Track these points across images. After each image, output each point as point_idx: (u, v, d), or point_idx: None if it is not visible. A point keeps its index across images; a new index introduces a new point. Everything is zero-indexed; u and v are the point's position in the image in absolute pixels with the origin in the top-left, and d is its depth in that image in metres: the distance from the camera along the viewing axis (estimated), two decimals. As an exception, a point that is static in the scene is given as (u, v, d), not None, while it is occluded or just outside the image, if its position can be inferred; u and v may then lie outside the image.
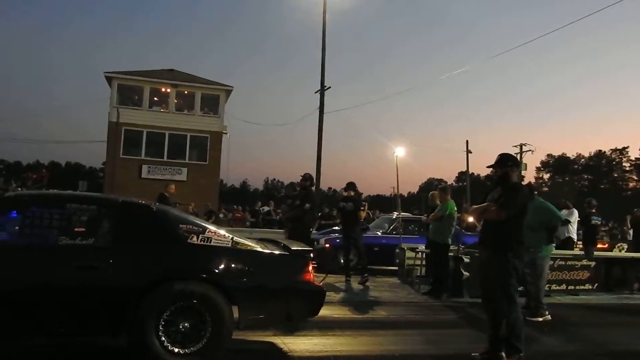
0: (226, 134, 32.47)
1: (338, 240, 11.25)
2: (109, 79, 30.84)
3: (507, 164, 5.08)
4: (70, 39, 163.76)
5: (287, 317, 4.91)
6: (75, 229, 4.32)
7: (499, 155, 5.15)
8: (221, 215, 22.22)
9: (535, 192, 8.10)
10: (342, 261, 10.50)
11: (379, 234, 13.01)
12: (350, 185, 10.33)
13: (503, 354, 4.74)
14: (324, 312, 5.15)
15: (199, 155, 31.64)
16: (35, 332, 4.18)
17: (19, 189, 27.23)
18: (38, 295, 4.05)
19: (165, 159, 30.94)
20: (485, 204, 5.09)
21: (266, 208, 20.93)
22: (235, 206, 31.95)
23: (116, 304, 4.17)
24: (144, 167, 30.14)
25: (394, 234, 12.16)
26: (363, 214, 10.44)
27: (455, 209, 9.06)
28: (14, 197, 4.80)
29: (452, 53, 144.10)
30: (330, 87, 25.51)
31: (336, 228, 12.68)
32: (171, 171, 30.46)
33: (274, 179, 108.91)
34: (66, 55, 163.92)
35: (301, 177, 9.61)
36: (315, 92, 25.57)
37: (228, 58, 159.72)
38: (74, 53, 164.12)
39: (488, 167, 5.21)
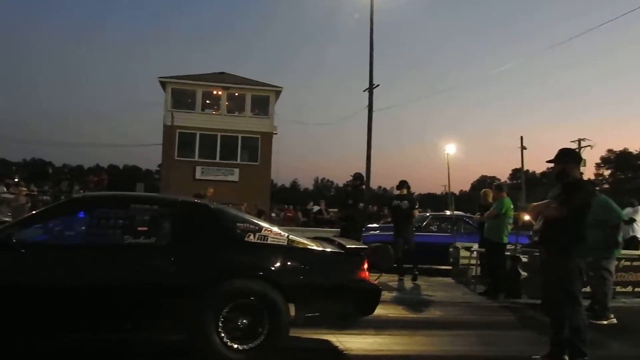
0: (276, 134, 32.88)
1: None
2: (163, 84, 31.79)
3: (566, 159, 4.91)
4: (122, 44, 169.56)
5: (342, 315, 4.92)
6: (138, 229, 4.48)
7: (559, 150, 4.98)
8: (273, 215, 22.50)
9: (597, 189, 7.79)
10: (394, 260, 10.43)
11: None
12: (403, 184, 10.25)
13: (566, 357, 4.58)
14: (378, 311, 5.12)
15: (250, 156, 32.16)
16: (103, 328, 4.37)
17: (81, 191, 28.47)
18: (105, 293, 4.22)
19: (217, 160, 31.60)
20: (545, 201, 4.94)
21: (317, 207, 20.99)
22: (286, 206, 32.30)
23: (177, 301, 4.29)
24: (198, 169, 30.91)
25: (424, 232, 12.04)
26: (417, 213, 10.34)
27: (512, 206, 8.83)
28: (82, 199, 5.03)
29: (505, 49, 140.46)
30: (378, 85, 25.34)
31: (373, 226, 12.62)
32: (224, 172, 31.10)
33: (324, 179, 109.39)
34: (119, 60, 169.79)
35: (352, 177, 9.62)
36: (364, 91, 25.43)
37: (276, 59, 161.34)
38: (127, 57, 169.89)
39: (547, 162, 5.06)
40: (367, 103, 25.10)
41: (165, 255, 4.33)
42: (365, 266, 4.92)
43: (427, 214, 13.78)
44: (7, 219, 8.26)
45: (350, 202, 9.25)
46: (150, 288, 4.27)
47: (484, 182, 74.91)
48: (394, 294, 8.51)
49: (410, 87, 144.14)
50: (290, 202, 35.92)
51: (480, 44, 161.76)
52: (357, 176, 9.65)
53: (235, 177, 31.18)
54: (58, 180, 38.38)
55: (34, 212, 4.49)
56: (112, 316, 4.29)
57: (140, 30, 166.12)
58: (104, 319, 4.29)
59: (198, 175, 30.69)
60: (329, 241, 5.51)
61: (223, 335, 4.28)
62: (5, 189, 31.57)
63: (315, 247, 4.90)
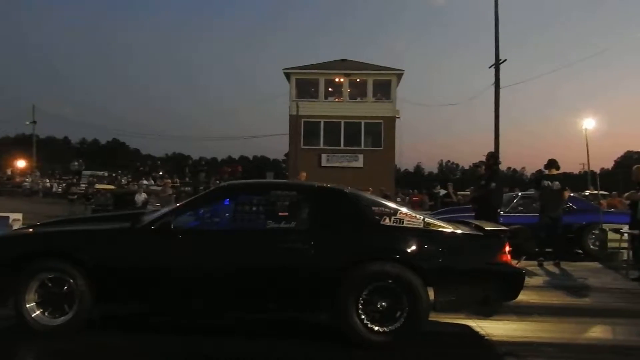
0: (399, 118, 32.56)
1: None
2: (288, 75, 32.84)
3: None
4: (245, 38, 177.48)
5: (484, 300, 4.75)
6: (280, 214, 4.68)
7: None
8: (398, 200, 22.38)
9: None
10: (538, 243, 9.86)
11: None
12: (552, 163, 9.62)
13: None
14: (520, 296, 4.88)
15: (374, 141, 32.23)
16: (250, 308, 4.65)
17: (217, 182, 30.50)
18: (251, 274, 4.47)
19: (342, 147, 32.06)
20: None
21: (443, 191, 20.51)
22: (411, 190, 31.97)
23: (317, 283, 4.43)
24: (323, 156, 31.63)
25: (513, 213, 11.15)
26: (567, 194, 9.69)
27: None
28: (227, 187, 5.36)
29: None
30: (505, 60, 24.13)
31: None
32: (348, 158, 31.52)
33: (449, 161, 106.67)
34: (244, 55, 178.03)
35: (485, 156, 9.25)
36: (490, 67, 24.38)
37: (397, 41, 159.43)
38: (251, 52, 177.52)
39: None
40: (493, 80, 24.06)
41: (305, 239, 4.47)
42: (507, 249, 4.71)
43: (516, 194, 12.82)
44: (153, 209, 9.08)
45: (483, 182, 8.90)
46: (292, 270, 4.45)
47: (630, 158, 68.12)
48: (537, 278, 8.05)
49: (541, 59, 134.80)
50: (415, 187, 35.47)
51: (622, 7, 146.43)
52: (491, 155, 9.27)
53: (359, 163, 31.45)
54: (196, 172, 41.35)
55: (186, 200, 4.87)
56: (259, 296, 4.53)
57: (261, 22, 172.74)
58: (251, 299, 4.55)
59: (324, 163, 31.42)
60: (465, 223, 5.35)
61: (363, 317, 4.34)
62: (152, 182, 34.83)
63: (452, 230, 4.79)
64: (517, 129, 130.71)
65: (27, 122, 51.33)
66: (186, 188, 28.45)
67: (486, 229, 4.82)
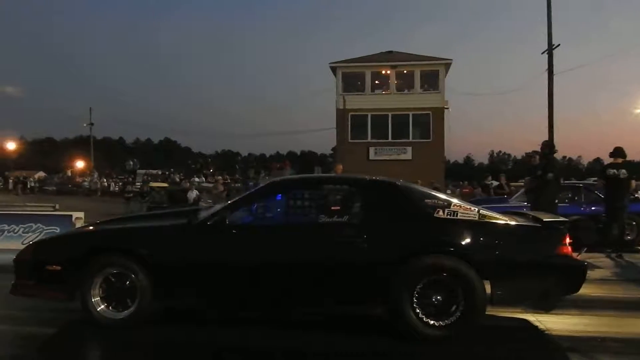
0: (447, 109, 31.99)
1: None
2: (334, 69, 32.79)
3: None
4: (291, 33, 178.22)
5: (543, 294, 4.63)
6: (332, 208, 4.70)
7: None
8: (448, 192, 22.00)
9: None
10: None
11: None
12: (618, 151, 9.25)
13: None
14: (581, 290, 4.72)
15: (422, 133, 31.79)
16: (307, 302, 4.68)
17: (266, 177, 30.84)
18: (305, 269, 4.50)
19: (389, 139, 31.80)
20: None
21: (495, 182, 20.01)
22: (461, 182, 31.39)
23: (371, 276, 4.42)
24: (371, 150, 31.46)
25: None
26: (635, 183, 9.30)
27: None
28: (279, 182, 5.42)
29: None
30: (559, 45, 23.25)
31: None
32: (396, 151, 31.24)
33: (500, 152, 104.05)
34: (290, 50, 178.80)
35: (540, 145, 8.96)
36: (542, 53, 23.56)
37: (444, 30, 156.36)
38: (297, 47, 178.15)
39: None
40: (546, 66, 23.27)
41: (358, 232, 4.46)
42: (567, 241, 4.56)
43: None
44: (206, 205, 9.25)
45: (539, 172, 8.63)
46: (346, 265, 4.45)
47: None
48: (598, 271, 7.75)
49: (594, 44, 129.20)
50: (465, 178, 34.84)
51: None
52: (547, 144, 8.99)
53: (408, 156, 31.12)
54: (245, 168, 42.01)
55: (240, 196, 4.96)
56: (313, 291, 4.56)
57: (306, 18, 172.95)
58: (307, 294, 4.59)
59: (372, 156, 31.26)
60: (522, 215, 5.23)
61: (418, 310, 4.31)
62: (204, 179, 35.61)
63: (508, 222, 4.68)
64: (572, 117, 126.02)
65: (85, 124, 53.49)
66: (237, 184, 28.95)
67: (544, 220, 4.69)
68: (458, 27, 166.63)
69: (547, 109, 22.98)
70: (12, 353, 4.18)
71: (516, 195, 13.34)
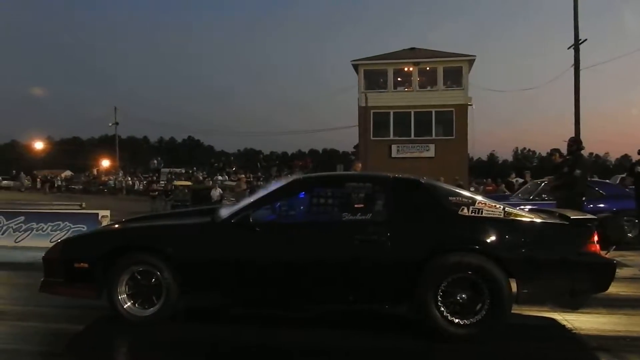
0: (471, 105, 31.67)
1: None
2: (356, 67, 32.73)
3: None
4: (313, 31, 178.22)
5: (570, 292, 4.54)
6: (355, 206, 4.68)
7: None
8: (472, 189, 21.76)
9: None
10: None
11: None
12: None
13: None
14: (610, 288, 4.62)
15: (445, 130, 31.55)
16: (330, 300, 4.67)
17: (289, 175, 30.99)
18: (329, 267, 4.50)
19: (412, 137, 31.64)
20: None
21: (520, 179, 19.76)
22: (485, 179, 31.02)
23: (395, 275, 4.40)
24: (393, 147, 31.35)
25: (539, 201, 10.68)
26: None
27: None
28: (302, 180, 5.41)
29: None
30: (585, 40, 22.82)
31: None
32: (419, 149, 31.09)
33: (524, 148, 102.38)
34: (311, 48, 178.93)
35: (567, 142, 8.80)
36: (569, 48, 23.17)
37: (467, 26, 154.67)
38: (318, 45, 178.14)
39: None
40: (572, 62, 22.88)
41: (382, 230, 4.43)
42: (595, 238, 4.47)
43: (542, 182, 12.18)
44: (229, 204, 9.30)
45: (565, 169, 8.48)
46: (369, 262, 4.43)
47: None
48: (627, 270, 7.60)
49: (623, 38, 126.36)
50: (489, 176, 34.44)
51: None
52: (573, 140, 8.82)
53: (431, 153, 30.93)
54: (268, 166, 42.21)
55: (263, 194, 4.97)
56: (337, 289, 4.55)
57: (327, 16, 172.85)
58: (330, 292, 4.58)
59: (394, 154, 31.15)
60: (548, 212, 5.15)
61: (443, 309, 4.27)
62: (227, 177, 35.91)
63: (534, 219, 4.61)
64: (599, 113, 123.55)
65: (110, 124, 54.24)
66: (259, 182, 29.12)
67: (572, 217, 4.60)
68: (482, 22, 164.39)
69: (573, 105, 22.60)
70: (42, 349, 4.26)
71: (517, 192, 13.16)
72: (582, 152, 8.97)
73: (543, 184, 11.74)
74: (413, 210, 4.61)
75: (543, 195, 11.02)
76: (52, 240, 8.88)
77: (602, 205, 10.32)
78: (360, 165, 12.07)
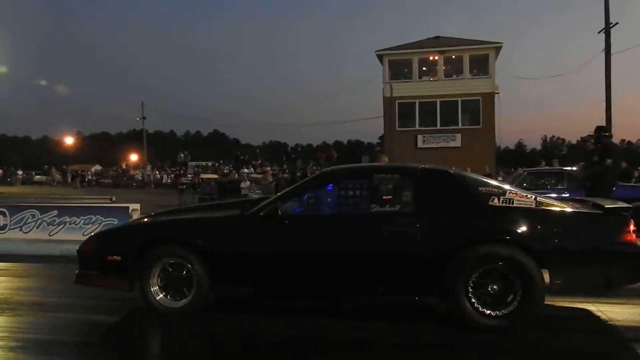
0: (498, 93, 31.14)
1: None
2: (380, 57, 32.46)
3: None
4: (336, 22, 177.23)
5: (605, 283, 4.45)
6: (383, 197, 4.66)
7: None
8: (499, 179, 21.47)
9: None
10: None
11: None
12: None
13: None
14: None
15: (472, 119, 31.12)
16: (359, 291, 4.67)
17: (314, 167, 30.99)
18: (357, 258, 4.50)
19: (438, 127, 31.30)
20: None
21: (549, 168, 19.40)
22: (512, 168, 30.55)
23: (425, 266, 4.37)
24: (419, 137, 31.06)
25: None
26: None
27: None
28: (330, 172, 5.41)
29: None
30: (617, 23, 22.19)
31: None
32: (445, 138, 30.75)
33: (553, 136, 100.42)
34: (334, 39, 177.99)
35: (595, 129, 8.56)
36: (599, 32, 22.57)
37: (493, 11, 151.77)
38: (342, 35, 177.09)
39: None
40: (603, 46, 22.29)
41: (411, 222, 4.41)
42: (631, 227, 4.37)
43: (522, 171, 11.89)
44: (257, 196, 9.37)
45: (595, 158, 8.27)
46: (399, 254, 4.42)
47: None
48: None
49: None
50: (517, 164, 33.92)
51: None
52: (600, 128, 8.57)
53: (457, 143, 30.55)
54: (293, 159, 42.29)
55: (291, 186, 4.99)
56: (367, 281, 4.55)
57: (350, 7, 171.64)
58: (360, 283, 4.58)
59: (420, 144, 30.86)
60: (581, 202, 5.05)
61: (474, 300, 4.24)
62: (252, 170, 36.12)
63: (567, 208, 4.52)
64: (632, 98, 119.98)
65: (138, 119, 54.98)
66: (284, 175, 29.22)
67: (606, 206, 4.50)
68: (510, 7, 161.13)
69: (604, 91, 22.05)
70: (77, 340, 4.36)
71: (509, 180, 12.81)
72: (611, 139, 8.72)
73: (525, 173, 11.53)
74: (442, 201, 4.57)
75: (524, 185, 10.87)
76: (84, 233, 9.08)
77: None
78: (386, 158, 11.94)
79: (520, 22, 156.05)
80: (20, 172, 46.34)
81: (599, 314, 4.78)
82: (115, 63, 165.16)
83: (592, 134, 8.70)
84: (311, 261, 4.59)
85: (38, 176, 48.17)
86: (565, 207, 4.53)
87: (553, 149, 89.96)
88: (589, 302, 5.03)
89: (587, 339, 4.28)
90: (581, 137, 9.33)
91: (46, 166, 51.29)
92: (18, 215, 10.01)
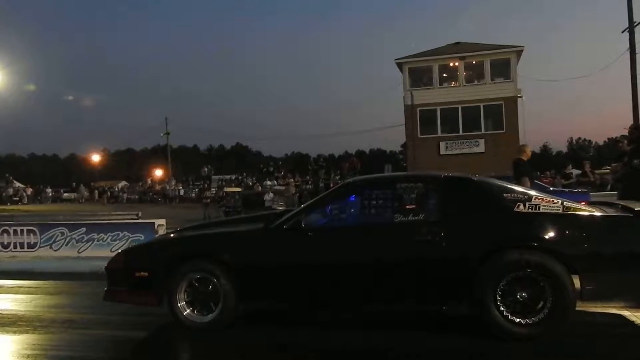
0: (521, 97, 30.77)
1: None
2: (400, 65, 32.38)
3: None
4: (352, 34, 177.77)
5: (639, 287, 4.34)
6: (407, 207, 4.63)
7: None
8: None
9: None
10: None
11: None
12: None
13: None
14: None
15: (495, 124, 30.75)
16: (385, 300, 4.63)
17: (337, 177, 30.97)
18: (384, 269, 4.47)
19: (460, 133, 31.03)
20: None
21: (577, 171, 19.06)
22: (539, 172, 30.04)
23: (451, 274, 4.33)
24: (442, 144, 30.81)
25: None
26: None
27: None
28: (353, 183, 5.40)
29: None
30: (641, 23, 21.78)
31: None
32: (468, 144, 30.45)
33: (579, 138, 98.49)
34: (354, 50, 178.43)
35: (627, 129, 8.39)
36: (623, 32, 22.20)
37: (514, 14, 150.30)
38: (362, 45, 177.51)
39: None
40: (627, 46, 21.91)
41: (436, 230, 4.37)
42: (664, 231, 4.26)
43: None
44: (281, 208, 9.41)
45: (625, 159, 8.10)
46: (424, 263, 4.38)
47: None
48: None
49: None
50: (544, 168, 33.41)
51: None
52: (635, 127, 8.40)
53: (480, 148, 30.21)
54: (316, 169, 42.32)
55: (314, 198, 4.99)
56: (393, 291, 4.51)
57: (370, 17, 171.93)
58: (386, 294, 4.54)
59: (443, 151, 30.60)
60: (610, 205, 4.95)
61: (503, 308, 4.18)
62: (275, 182, 36.29)
63: (596, 213, 4.43)
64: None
65: (162, 134, 55.78)
66: (308, 186, 29.29)
67: (637, 209, 4.40)
68: (530, 7, 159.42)
69: (630, 91, 21.63)
70: (108, 356, 4.43)
71: None
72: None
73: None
74: (466, 209, 4.52)
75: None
76: (112, 250, 9.23)
77: None
78: (529, 150, 10.78)
79: (544, 24, 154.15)
80: (49, 190, 47.26)
81: (633, 319, 4.68)
82: (139, 79, 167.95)
83: (626, 133, 8.55)
84: (336, 273, 4.58)
85: (67, 194, 49.06)
86: (593, 211, 4.44)
87: (580, 151, 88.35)
88: (623, 308, 4.92)
89: (620, 346, 4.16)
90: (615, 138, 9.14)
91: (74, 183, 52.26)
92: (48, 233, 10.24)
